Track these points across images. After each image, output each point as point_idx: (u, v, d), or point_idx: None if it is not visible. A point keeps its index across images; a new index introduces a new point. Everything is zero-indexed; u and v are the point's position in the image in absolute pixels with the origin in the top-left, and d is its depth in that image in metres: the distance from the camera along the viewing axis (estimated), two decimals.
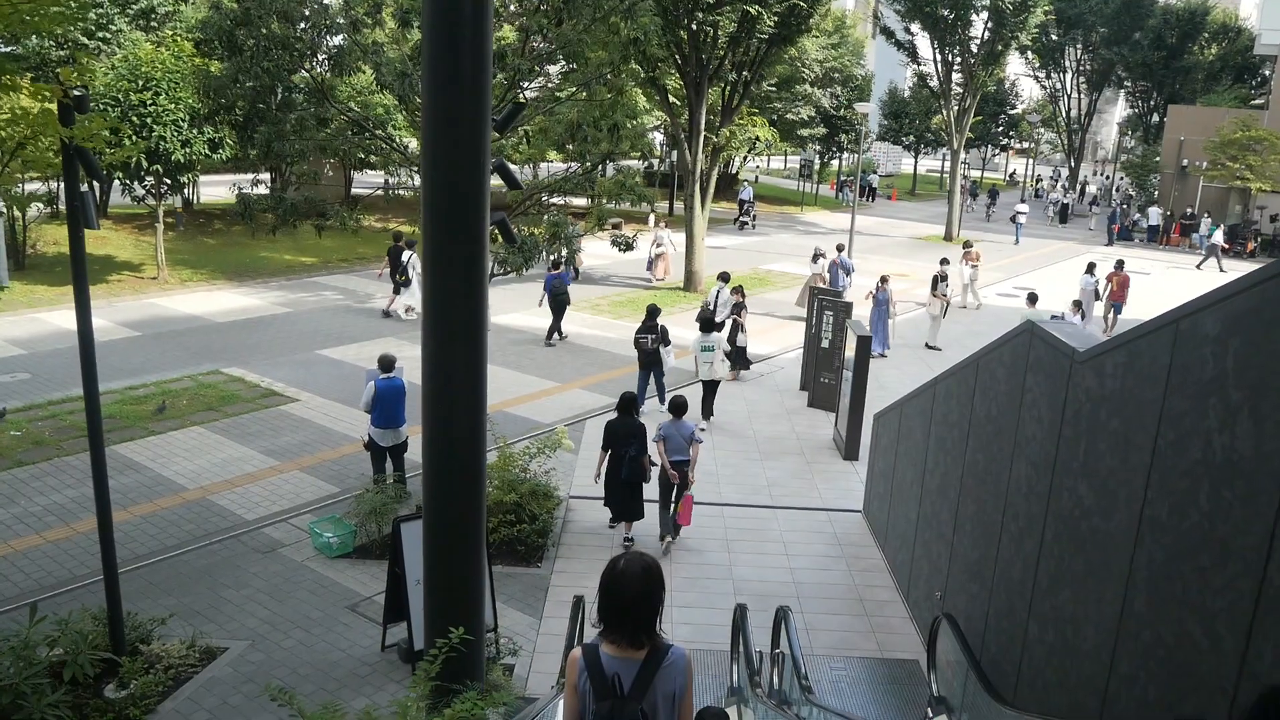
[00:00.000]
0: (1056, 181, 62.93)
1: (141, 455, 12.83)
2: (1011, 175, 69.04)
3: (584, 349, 19.45)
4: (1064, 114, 56.74)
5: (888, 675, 8.83)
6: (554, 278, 19.51)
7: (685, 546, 11.05)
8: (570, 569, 10.40)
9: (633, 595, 3.79)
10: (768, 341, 20.58)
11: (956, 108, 38.33)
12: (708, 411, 15.24)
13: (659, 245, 26.91)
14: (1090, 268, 22.81)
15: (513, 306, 22.62)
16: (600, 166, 14.32)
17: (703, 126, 23.90)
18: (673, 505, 10.92)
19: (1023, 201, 44.89)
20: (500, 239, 7.50)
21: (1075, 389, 6.32)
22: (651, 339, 15.24)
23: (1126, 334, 5.69)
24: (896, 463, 10.77)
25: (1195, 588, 4.80)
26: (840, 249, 23.62)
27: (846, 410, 14.12)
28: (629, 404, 11.13)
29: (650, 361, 15.43)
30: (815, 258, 23.64)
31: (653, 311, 15.78)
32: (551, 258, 15.44)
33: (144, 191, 23.39)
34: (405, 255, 20.81)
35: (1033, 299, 19.40)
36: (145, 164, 21.39)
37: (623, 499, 10.99)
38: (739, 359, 17.54)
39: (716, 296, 18.61)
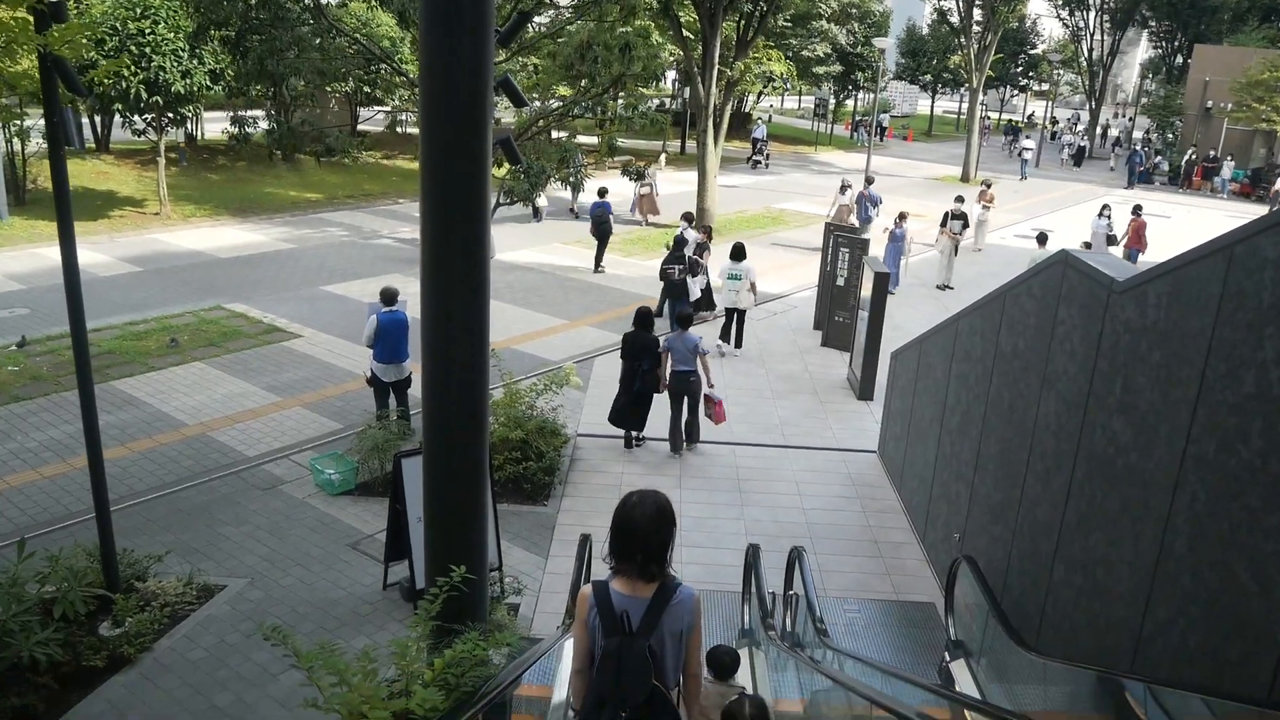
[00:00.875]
0: (1075, 124, 61.72)
1: (141, 391, 12.58)
2: (1029, 117, 67.71)
3: (593, 286, 19.08)
4: (1085, 54, 55.38)
5: (903, 618, 8.58)
6: (598, 206, 20.25)
7: (695, 486, 10.79)
8: (577, 507, 10.14)
9: (645, 529, 3.80)
10: (781, 280, 20.16)
11: (976, 45, 37.38)
12: (737, 340, 15.51)
13: (644, 185, 25.39)
14: (1103, 210, 22.16)
15: (521, 243, 22.23)
16: (610, 90, 13.79)
17: (717, 59, 23.22)
18: (684, 416, 11.50)
19: (1028, 137, 44.21)
20: (505, 162, 7.06)
21: (1113, 320, 5.95)
22: (679, 269, 15.52)
23: (1172, 261, 5.31)
24: (914, 402, 10.44)
25: (1244, 529, 4.48)
26: (870, 181, 24.23)
27: (862, 349, 13.76)
28: (645, 318, 11.48)
29: (676, 293, 15.36)
30: (843, 188, 23.53)
31: (680, 242, 16.51)
32: (599, 186, 16.16)
33: (144, 125, 22.91)
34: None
35: (1042, 239, 18.83)
36: (145, 95, 20.90)
37: (628, 408, 11.41)
38: (702, 301, 16.59)
39: (681, 237, 17.12)
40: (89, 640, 7.32)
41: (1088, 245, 18.51)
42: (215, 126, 32.73)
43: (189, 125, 31.13)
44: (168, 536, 9.13)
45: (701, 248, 16.91)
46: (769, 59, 24.59)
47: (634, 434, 11.70)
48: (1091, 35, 54.43)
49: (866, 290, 13.95)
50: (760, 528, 9.85)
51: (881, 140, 49.65)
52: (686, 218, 18.28)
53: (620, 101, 17.92)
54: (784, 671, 6.89)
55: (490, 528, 8.33)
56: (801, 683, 6.62)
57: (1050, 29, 69.63)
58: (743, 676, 6.97)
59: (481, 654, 5.94)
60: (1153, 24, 57.88)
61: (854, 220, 22.50)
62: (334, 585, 8.53)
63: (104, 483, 7.66)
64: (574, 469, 11.06)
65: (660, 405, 11.65)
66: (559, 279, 19.52)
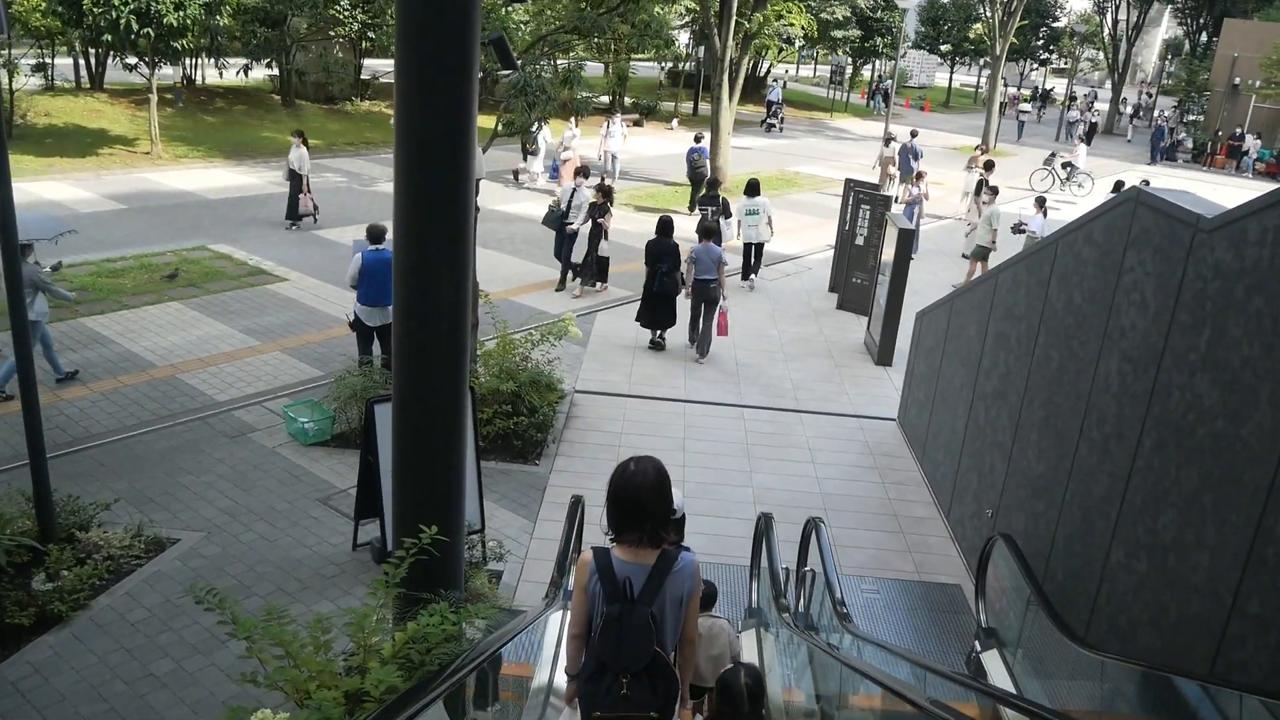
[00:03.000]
0: (1093, 101, 60.19)
1: (110, 329, 11.74)
2: (1049, 92, 66.25)
3: None
4: (1110, 27, 53.95)
5: (926, 600, 7.78)
6: (694, 151, 21.14)
7: (700, 450, 9.97)
8: (571, 468, 9.33)
9: (647, 496, 3.74)
10: (794, 242, 19.24)
11: (1001, 10, 36.16)
12: (755, 268, 16.16)
13: (566, 148, 21.85)
14: (1117, 187, 21.05)
15: (523, 195, 21.33)
16: (620, 7, 12.78)
17: (735, 10, 22.16)
18: (700, 322, 12.53)
19: (1027, 101, 45.19)
20: (498, 61, 6.17)
21: (1199, 265, 5.09)
22: (712, 211, 15.44)
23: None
24: (942, 365, 9.58)
25: None
26: (914, 134, 25.11)
27: (881, 311, 12.88)
28: (666, 225, 12.52)
29: (708, 232, 14.40)
30: (887, 141, 24.00)
31: (713, 184, 16.88)
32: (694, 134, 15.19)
33: (136, 60, 21.92)
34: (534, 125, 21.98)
35: (1040, 202, 17.81)
36: (135, 26, 19.91)
37: (655, 309, 12.52)
38: (596, 270, 14.85)
39: (571, 196, 14.99)
40: (16, 595, 6.54)
41: (1040, 200, 17.69)
42: (213, 73, 31.83)
43: (186, 66, 30.15)
44: (120, 484, 8.33)
45: (598, 209, 14.47)
46: (789, 11, 23.47)
47: (659, 331, 12.79)
48: (1116, 8, 52.99)
49: (889, 252, 13.07)
50: (770, 496, 9.04)
51: (887, 107, 48.42)
52: (581, 173, 15.79)
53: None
54: (796, 657, 6.09)
55: (471, 485, 7.52)
56: (816, 670, 5.81)
57: (1073, 3, 68.06)
58: (749, 660, 6.18)
59: (450, 628, 5.16)
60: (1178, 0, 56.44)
61: (894, 172, 22.87)
62: (299, 543, 7.73)
63: (39, 422, 6.86)
64: (570, 427, 10.23)
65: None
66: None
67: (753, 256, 16.11)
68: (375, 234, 10.14)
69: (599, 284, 15.07)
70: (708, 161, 21.29)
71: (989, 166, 20.75)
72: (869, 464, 10.08)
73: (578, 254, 14.64)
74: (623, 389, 11.37)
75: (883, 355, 12.90)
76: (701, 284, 12.24)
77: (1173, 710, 4.80)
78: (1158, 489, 5.26)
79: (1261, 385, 4.43)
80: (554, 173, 22.69)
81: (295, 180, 17.31)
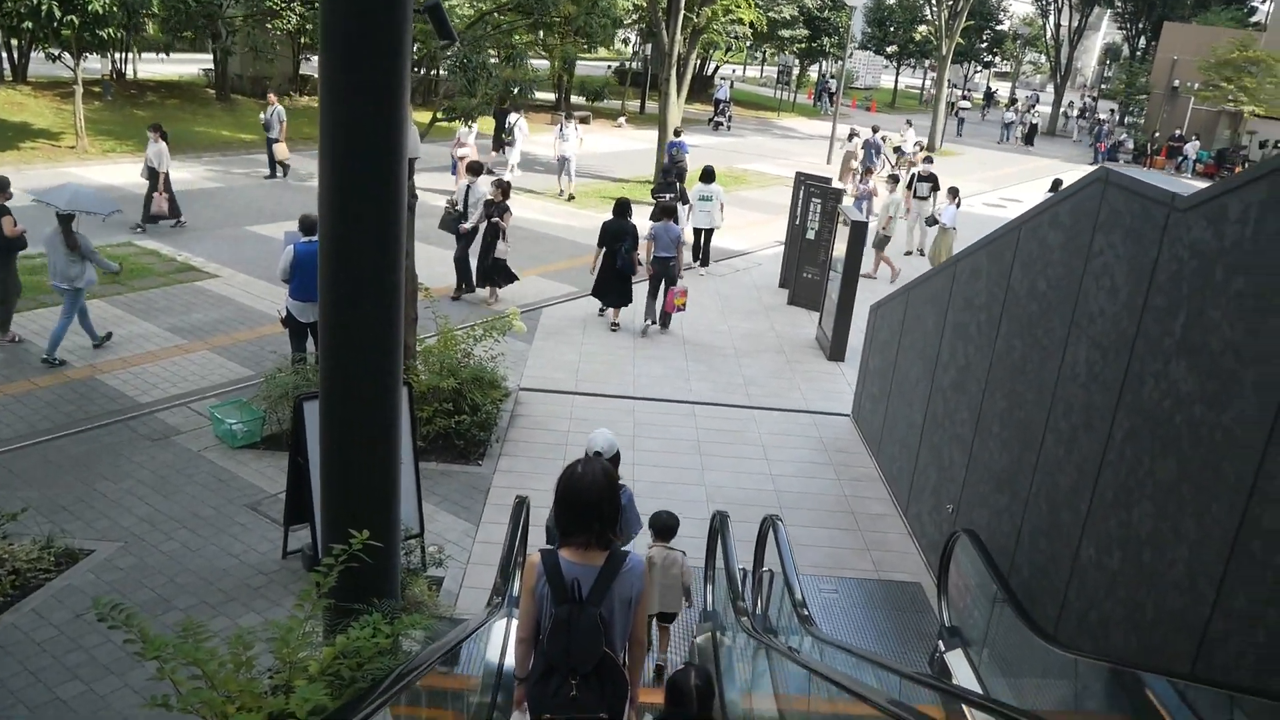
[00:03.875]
0: (1035, 104, 60.81)
1: (26, 329, 11.09)
2: (993, 93, 66.97)
3: (544, 236, 17.77)
4: (1052, 29, 54.60)
5: (886, 599, 7.51)
6: (674, 145, 21.04)
7: (651, 447, 9.62)
8: (516, 468, 8.94)
9: (595, 498, 3.74)
10: (743, 237, 19.02)
11: (947, 11, 36.36)
12: (705, 257, 16.39)
13: (461, 144, 20.42)
14: (1055, 185, 21.03)
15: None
16: None
17: (683, 4, 21.88)
18: (661, 297, 12.92)
19: (964, 98, 46.25)
20: (436, 32, 5.76)
21: (1174, 245, 4.85)
22: (670, 196, 15.70)
23: (1271, 161, 4.20)
24: (898, 358, 9.34)
25: None
26: (876, 130, 26.25)
27: (834, 306, 12.64)
28: (624, 207, 12.89)
29: (666, 211, 14.32)
30: (850, 135, 25.28)
31: (669, 171, 17.49)
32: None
33: (60, 50, 21.07)
34: (512, 117, 23.05)
35: (953, 193, 17.63)
36: (58, 14, 19.11)
37: (614, 288, 12.76)
38: (499, 274, 13.62)
39: (466, 193, 13.90)
40: None
41: (954, 190, 17.60)
42: (149, 68, 30.91)
43: (116, 60, 29.19)
44: (30, 492, 7.78)
45: (494, 207, 13.45)
46: (737, 6, 23.25)
47: (615, 319, 13.12)
48: (1059, 10, 53.66)
49: (840, 247, 12.83)
50: (723, 494, 8.72)
51: (833, 106, 48.48)
52: (473, 169, 14.46)
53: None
54: (755, 661, 5.76)
55: (408, 487, 7.11)
56: (777, 674, 5.49)
57: (1016, 8, 68.90)
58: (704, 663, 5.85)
59: (384, 641, 4.75)
60: (1118, 3, 57.25)
61: (856, 166, 23.42)
62: (224, 552, 7.25)
63: None
64: (514, 425, 9.83)
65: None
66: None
67: (704, 241, 16.48)
68: (308, 225, 9.67)
69: (491, 291, 13.75)
70: (686, 156, 21.47)
71: (928, 161, 20.74)
72: (824, 460, 9.82)
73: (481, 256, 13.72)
74: (569, 386, 11.00)
75: (835, 350, 12.67)
76: (661, 261, 12.75)
77: (1147, 709, 4.56)
78: (1131, 481, 5.01)
79: (1244, 370, 4.19)
80: (453, 169, 21.31)
81: (153, 178, 15.94)
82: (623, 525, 5.81)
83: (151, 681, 5.21)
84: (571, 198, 21.08)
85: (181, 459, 8.56)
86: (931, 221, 18.20)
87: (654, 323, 13.09)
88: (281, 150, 20.40)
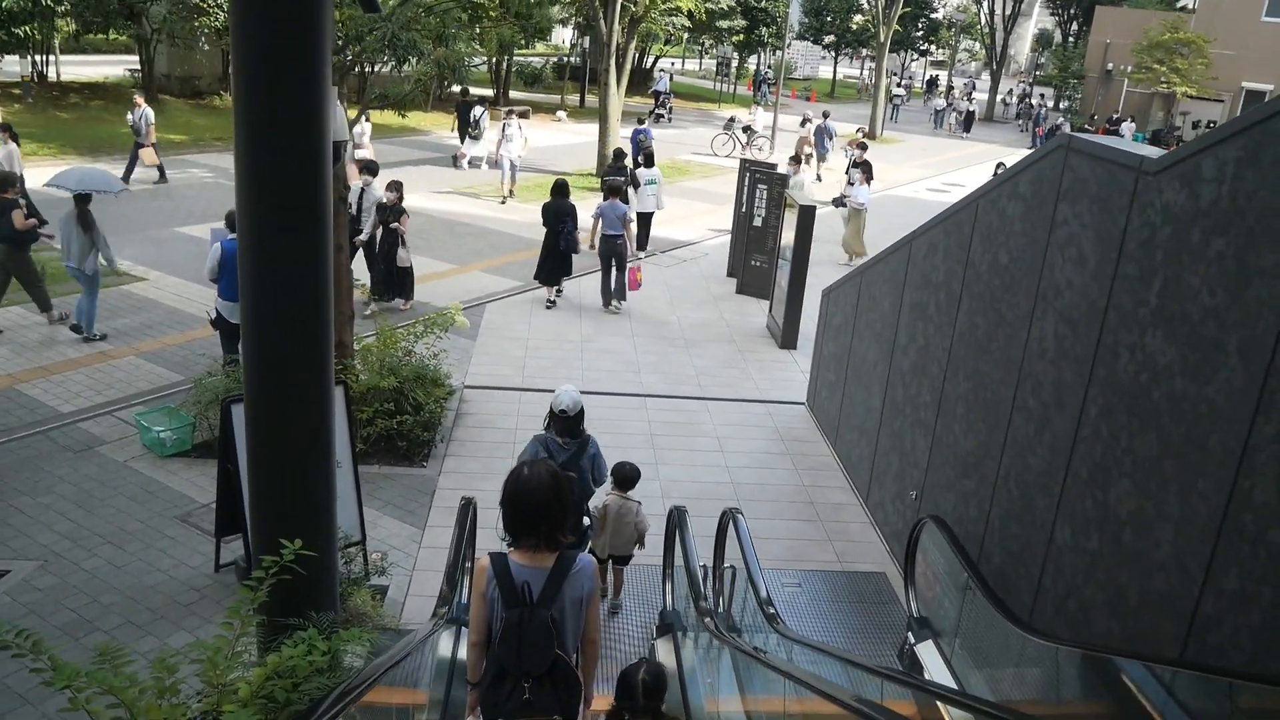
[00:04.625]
0: (971, 90, 61.30)
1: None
2: (935, 79, 67.58)
3: (486, 230, 17.36)
4: (986, 16, 55.12)
5: (851, 591, 7.26)
6: (639, 132, 21.60)
7: (602, 443, 9.26)
8: (462, 468, 8.57)
9: (542, 500, 3.69)
10: (688, 228, 18.79)
11: None
12: (644, 243, 16.24)
13: (358, 145, 18.96)
14: (998, 167, 21.16)
15: (408, 189, 20.33)
16: None
17: None
18: (615, 277, 13.22)
19: (900, 85, 47.77)
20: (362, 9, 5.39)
21: (1145, 211, 4.63)
22: (621, 180, 15.17)
23: (1247, 116, 3.99)
24: (853, 342, 9.11)
25: None
26: (826, 115, 26.82)
27: (784, 293, 12.42)
28: (562, 188, 13.23)
29: (613, 190, 14.58)
30: (803, 122, 25.82)
31: (619, 154, 17.61)
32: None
33: None
34: (476, 110, 23.13)
35: (866, 168, 17.68)
36: None
37: (554, 267, 13.16)
38: (401, 284, 12.57)
39: (360, 197, 12.54)
40: None
41: (798, 157, 18.06)
42: (71, 70, 29.88)
43: (37, 62, 28.15)
44: None
45: (389, 210, 12.30)
46: None
47: (553, 296, 13.42)
48: None
49: (789, 233, 12.60)
50: (679, 489, 8.43)
51: (771, 94, 48.42)
52: (369, 169, 12.98)
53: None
54: (718, 663, 5.48)
55: (347, 492, 6.72)
56: (742, 676, 5.20)
57: None
58: (669, 680, 5.55)
59: (319, 658, 4.38)
60: None
61: (809, 151, 24.30)
62: (152, 567, 6.80)
63: None
64: (460, 425, 9.45)
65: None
66: (447, 223, 17.76)
67: (646, 226, 16.46)
68: (235, 221, 9.16)
69: (402, 300, 12.59)
70: (652, 142, 21.44)
71: (862, 147, 20.63)
72: (780, 450, 9.57)
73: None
74: (516, 382, 10.64)
75: (786, 338, 12.45)
76: (608, 240, 13.00)
77: (1132, 698, 4.35)
78: (1108, 459, 4.80)
79: (1227, 337, 3.98)
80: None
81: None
82: (597, 473, 6.41)
83: (65, 713, 4.81)
84: (510, 194, 20.08)
85: (106, 470, 8.07)
86: (839, 202, 17.99)
87: (615, 303, 13.31)
88: (150, 155, 18.34)
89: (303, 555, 4.51)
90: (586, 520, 6.47)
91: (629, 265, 13.25)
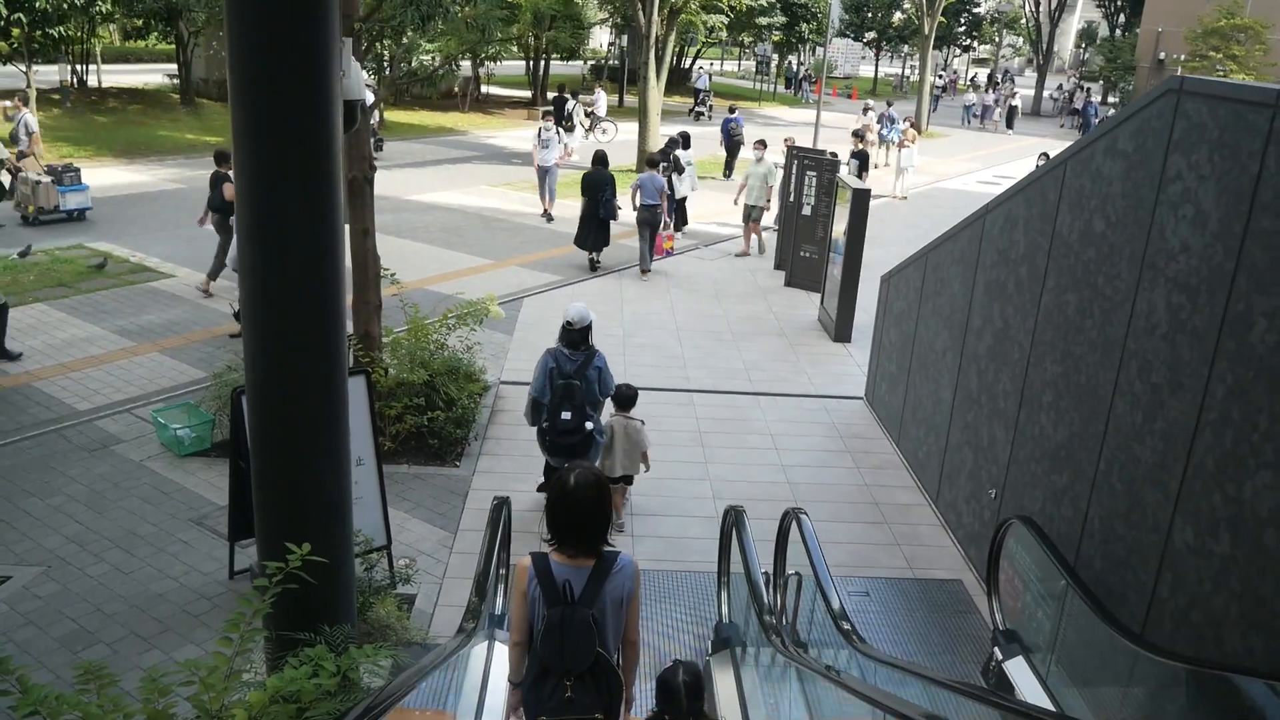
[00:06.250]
0: (1010, 82, 59.77)
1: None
2: (974, 79, 66.37)
3: (523, 226, 16.83)
4: (1032, 9, 53.87)
5: (924, 600, 6.58)
6: (730, 120, 23.21)
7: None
8: (498, 468, 8.00)
9: (587, 509, 3.70)
10: (734, 220, 18.11)
11: None
12: (684, 220, 16.45)
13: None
14: (1043, 157, 20.12)
15: (442, 185, 19.94)
16: None
17: None
18: (650, 242, 14.09)
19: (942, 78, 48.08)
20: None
21: None
22: (664, 166, 15.21)
23: None
24: (918, 329, 8.43)
25: None
26: (890, 104, 27.75)
27: (837, 283, 11.73)
28: (601, 158, 14.11)
29: (651, 163, 14.97)
30: (865, 110, 27.31)
31: (673, 143, 16.84)
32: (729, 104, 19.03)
33: (9, 50, 20.08)
34: (570, 104, 24.57)
35: (760, 146, 15.98)
36: (5, 12, 18.11)
37: (595, 233, 13.94)
38: None
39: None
40: None
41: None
42: (112, 78, 29.88)
43: (80, 71, 28.16)
44: None
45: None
46: None
47: (595, 256, 14.24)
48: None
49: (839, 227, 11.89)
50: (732, 489, 7.80)
51: (814, 91, 47.46)
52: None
53: None
54: (784, 683, 4.85)
55: (372, 492, 6.18)
56: (811, 699, 4.57)
57: None
58: (725, 697, 4.93)
59: (327, 680, 3.82)
60: None
61: (873, 138, 24.76)
62: (162, 574, 6.29)
63: None
64: (495, 422, 8.88)
65: None
66: (484, 219, 17.27)
67: (685, 207, 16.49)
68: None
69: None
70: (743, 129, 22.84)
71: (859, 135, 20.25)
72: (839, 447, 8.90)
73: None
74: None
75: (840, 331, 11.76)
76: (648, 208, 13.72)
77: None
78: (1241, 447, 4.11)
79: None
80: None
81: None
82: (603, 384, 6.83)
83: None
84: (548, 215, 17.55)
85: (120, 470, 7.59)
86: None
87: (648, 267, 14.14)
88: (33, 164, 15.58)
89: (312, 561, 3.97)
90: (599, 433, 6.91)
91: (660, 233, 14.20)
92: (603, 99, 29.75)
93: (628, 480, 7.20)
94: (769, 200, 15.51)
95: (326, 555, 4.21)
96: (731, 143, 23.66)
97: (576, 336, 6.76)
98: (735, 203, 16.17)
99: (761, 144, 16.04)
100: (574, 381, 6.65)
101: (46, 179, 15.10)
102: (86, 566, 6.31)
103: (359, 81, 5.16)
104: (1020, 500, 6.18)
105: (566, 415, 6.63)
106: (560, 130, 21.94)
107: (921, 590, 6.66)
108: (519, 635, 3.85)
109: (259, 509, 4.43)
